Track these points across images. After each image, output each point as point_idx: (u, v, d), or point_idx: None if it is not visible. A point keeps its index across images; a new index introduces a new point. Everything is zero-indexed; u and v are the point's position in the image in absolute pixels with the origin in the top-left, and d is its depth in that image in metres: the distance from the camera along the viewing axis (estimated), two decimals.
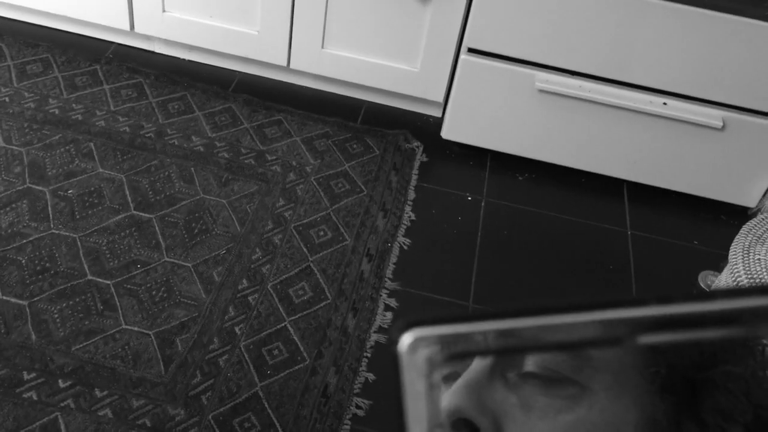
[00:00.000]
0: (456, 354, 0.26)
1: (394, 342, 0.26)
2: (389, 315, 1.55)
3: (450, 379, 0.41)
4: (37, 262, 1.52)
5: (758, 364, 0.38)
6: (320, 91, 2.08)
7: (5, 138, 1.78)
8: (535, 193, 1.89)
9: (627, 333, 0.24)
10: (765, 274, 1.26)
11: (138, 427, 1.30)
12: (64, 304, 1.46)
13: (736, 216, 1.91)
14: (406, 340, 0.26)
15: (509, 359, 0.40)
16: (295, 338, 1.47)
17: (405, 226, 1.74)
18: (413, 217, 1.77)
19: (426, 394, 0.26)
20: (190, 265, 1.57)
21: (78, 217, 1.63)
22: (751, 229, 1.35)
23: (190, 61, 2.11)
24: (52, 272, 1.51)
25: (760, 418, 0.37)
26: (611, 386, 0.38)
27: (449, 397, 0.39)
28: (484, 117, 1.87)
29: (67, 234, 1.59)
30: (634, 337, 0.24)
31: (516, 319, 0.25)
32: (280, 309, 1.52)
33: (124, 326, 1.44)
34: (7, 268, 1.50)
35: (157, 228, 1.63)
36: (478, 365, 0.40)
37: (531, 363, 0.40)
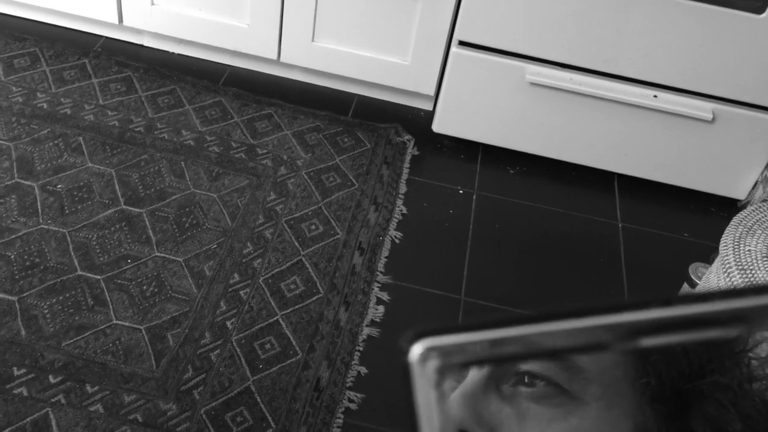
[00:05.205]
0: (466, 362, 0.26)
1: (404, 352, 0.26)
2: (381, 308, 1.55)
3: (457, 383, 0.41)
4: (26, 257, 1.51)
5: (743, 376, 0.39)
6: (311, 84, 2.07)
7: None
8: (526, 186, 1.89)
9: (622, 337, 0.24)
10: (755, 265, 1.27)
11: (129, 423, 1.30)
12: (54, 300, 1.45)
13: (726, 208, 1.91)
14: (416, 350, 0.26)
15: (504, 370, 0.40)
16: (287, 332, 1.47)
17: (396, 220, 1.74)
18: (405, 211, 1.76)
19: (437, 404, 0.26)
20: (181, 259, 1.56)
21: (67, 212, 1.61)
22: (741, 221, 1.36)
23: (179, 54, 2.10)
24: (41, 267, 1.50)
25: (749, 428, 0.38)
26: (603, 397, 0.39)
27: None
28: (475, 110, 1.87)
29: (57, 229, 1.58)
30: (630, 341, 0.24)
31: (531, 326, 0.25)
32: (272, 303, 1.51)
33: (114, 321, 1.44)
34: None
35: (147, 222, 1.62)
36: (473, 377, 0.40)
37: (529, 366, 0.40)
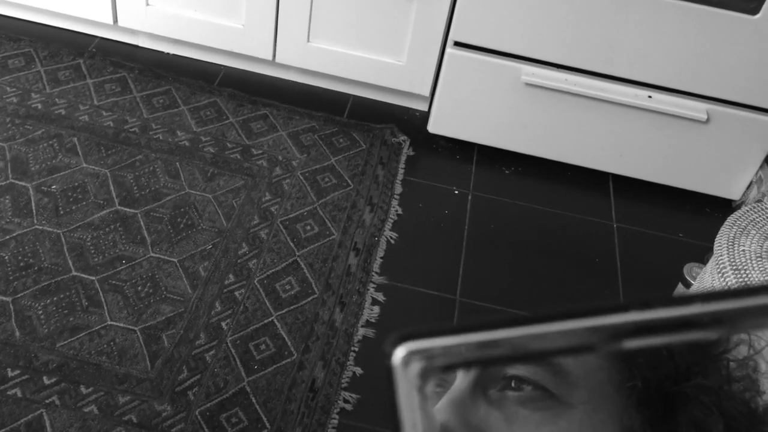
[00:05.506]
0: (449, 366, 0.27)
1: (387, 356, 0.26)
2: (376, 309, 1.55)
3: (442, 388, 0.41)
4: (20, 258, 1.51)
5: (724, 378, 0.39)
6: (306, 85, 2.07)
7: None
8: (521, 186, 1.90)
9: (608, 339, 0.25)
10: (749, 265, 1.27)
11: (124, 424, 1.29)
12: (48, 301, 1.45)
13: (720, 208, 1.92)
14: (399, 353, 0.26)
15: (491, 374, 0.40)
16: (282, 333, 1.47)
17: (392, 220, 1.74)
18: (400, 211, 1.76)
19: (420, 407, 0.26)
20: (175, 260, 1.56)
21: (62, 212, 1.61)
22: (735, 221, 1.36)
23: (174, 55, 2.09)
24: (35, 268, 1.50)
25: (731, 429, 0.38)
26: (589, 400, 0.39)
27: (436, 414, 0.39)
28: (470, 111, 1.87)
29: (51, 230, 1.57)
30: (613, 343, 0.25)
31: (512, 329, 0.25)
32: (267, 304, 1.51)
33: (109, 322, 1.43)
34: None
35: (142, 223, 1.62)
36: (460, 383, 0.41)
37: (516, 370, 0.40)
